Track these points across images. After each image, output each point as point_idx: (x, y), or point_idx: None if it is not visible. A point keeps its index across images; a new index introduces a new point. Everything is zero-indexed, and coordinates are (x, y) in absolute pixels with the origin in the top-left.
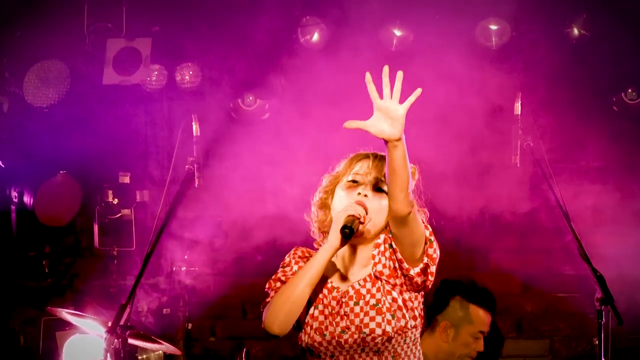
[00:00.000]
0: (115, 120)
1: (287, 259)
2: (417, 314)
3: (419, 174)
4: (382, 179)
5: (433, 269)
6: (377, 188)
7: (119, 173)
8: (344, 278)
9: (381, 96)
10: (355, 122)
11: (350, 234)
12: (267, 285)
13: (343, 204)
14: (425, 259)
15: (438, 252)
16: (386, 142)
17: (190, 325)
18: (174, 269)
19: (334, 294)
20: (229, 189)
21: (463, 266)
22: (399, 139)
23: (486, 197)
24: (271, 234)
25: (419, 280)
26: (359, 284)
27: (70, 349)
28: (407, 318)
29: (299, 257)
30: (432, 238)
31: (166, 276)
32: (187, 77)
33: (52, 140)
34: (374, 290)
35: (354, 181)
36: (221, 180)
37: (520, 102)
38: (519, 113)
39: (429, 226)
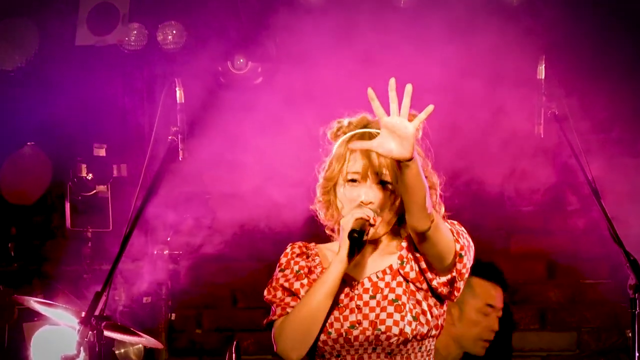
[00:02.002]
0: (90, 85)
1: (283, 261)
2: (439, 323)
3: (440, 180)
4: (384, 171)
5: (461, 284)
6: (380, 182)
7: (93, 145)
8: (356, 268)
9: (387, 112)
10: (360, 143)
11: (360, 237)
12: (265, 293)
13: (347, 202)
14: (454, 273)
15: (469, 267)
16: (397, 161)
17: (173, 315)
18: (155, 252)
19: (341, 284)
20: (217, 162)
21: (480, 250)
22: (411, 159)
23: (506, 173)
24: (265, 214)
25: (444, 290)
26: (377, 276)
27: (39, 342)
28: (430, 326)
29: (297, 255)
30: (463, 253)
31: (147, 261)
32: (170, 37)
33: (18, 108)
34: (394, 284)
35: (352, 180)
36: (208, 153)
37: (544, 66)
38: (543, 78)
39: (462, 238)
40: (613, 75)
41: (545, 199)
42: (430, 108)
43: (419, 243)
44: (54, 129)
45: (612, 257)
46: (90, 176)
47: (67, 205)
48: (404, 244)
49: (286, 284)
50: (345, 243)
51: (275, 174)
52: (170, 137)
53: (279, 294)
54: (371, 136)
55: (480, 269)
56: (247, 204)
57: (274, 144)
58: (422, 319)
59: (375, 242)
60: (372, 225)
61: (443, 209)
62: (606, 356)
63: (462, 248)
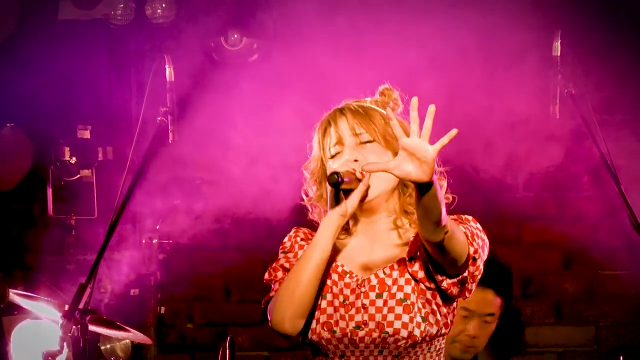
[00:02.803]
0: (73, 63)
1: (287, 243)
2: (449, 321)
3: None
4: (361, 130)
5: (472, 286)
6: (364, 142)
7: (77, 126)
8: (362, 264)
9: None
10: (375, 164)
11: (341, 182)
12: (266, 276)
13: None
14: (465, 274)
15: (482, 269)
16: (414, 183)
17: (162, 308)
18: (143, 241)
19: (347, 280)
20: (209, 145)
21: (491, 239)
22: (430, 182)
23: (519, 156)
24: (261, 200)
25: (454, 290)
26: (384, 272)
27: (19, 337)
28: (440, 325)
29: (302, 239)
30: (477, 256)
31: (134, 250)
32: (159, 11)
33: None
34: (402, 282)
35: (334, 155)
36: (200, 135)
37: (559, 42)
38: (558, 54)
39: (476, 239)
40: (636, 51)
41: (561, 184)
42: (453, 132)
43: (431, 250)
44: (35, 109)
45: (633, 246)
46: (73, 160)
47: (49, 191)
48: (411, 234)
49: (287, 265)
50: (329, 193)
51: (272, 158)
52: (159, 118)
53: (279, 274)
54: (344, 108)
55: None
56: (242, 190)
57: (270, 126)
58: (431, 319)
59: (373, 229)
60: (359, 180)
61: (451, 197)
62: (626, 353)
63: (475, 251)
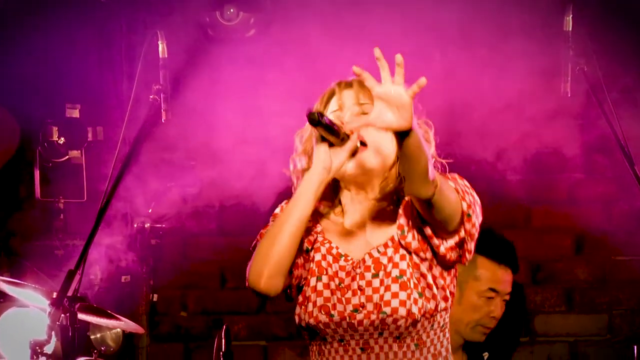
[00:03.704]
0: (62, 39)
1: (277, 210)
2: (448, 293)
3: (433, 133)
4: (365, 100)
5: (471, 245)
6: (364, 113)
7: (65, 105)
8: (356, 244)
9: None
10: (358, 120)
11: (321, 121)
12: (254, 243)
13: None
14: (462, 233)
15: (478, 225)
16: (396, 133)
17: (155, 296)
18: (135, 225)
19: (342, 262)
20: (204, 125)
21: (499, 223)
22: (411, 129)
23: (528, 136)
24: (258, 182)
25: (452, 255)
26: (378, 251)
27: (5, 326)
28: (438, 299)
29: None
30: (471, 211)
31: (126, 235)
32: None
33: None
34: (397, 259)
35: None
36: (194, 114)
37: (571, 16)
38: (570, 29)
39: (467, 195)
40: None
41: (572, 166)
42: (422, 81)
43: (423, 211)
44: (21, 87)
45: None
46: (62, 140)
47: (37, 173)
48: (401, 210)
49: None
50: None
51: (270, 139)
52: (151, 97)
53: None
54: (350, 82)
55: (487, 245)
56: (238, 172)
57: (268, 105)
58: (427, 293)
59: (369, 206)
60: (347, 137)
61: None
62: None
63: (469, 207)
